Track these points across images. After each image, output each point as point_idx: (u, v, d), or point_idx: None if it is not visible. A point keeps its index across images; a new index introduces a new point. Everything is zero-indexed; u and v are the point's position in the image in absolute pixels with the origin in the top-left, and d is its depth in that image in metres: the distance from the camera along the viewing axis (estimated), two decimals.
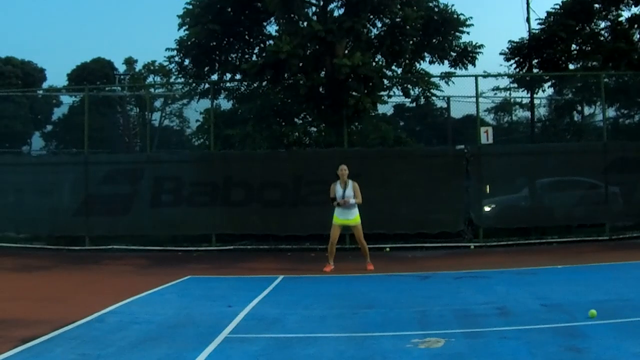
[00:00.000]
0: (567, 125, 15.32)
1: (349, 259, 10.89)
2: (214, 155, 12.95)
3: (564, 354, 4.72)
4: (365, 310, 6.59)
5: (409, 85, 13.73)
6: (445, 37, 13.51)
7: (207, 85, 13.85)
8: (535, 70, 15.29)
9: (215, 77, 14.29)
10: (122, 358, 4.98)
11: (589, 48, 14.60)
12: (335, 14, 12.91)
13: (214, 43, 13.34)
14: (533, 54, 15.02)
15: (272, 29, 13.89)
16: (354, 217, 9.82)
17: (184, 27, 13.12)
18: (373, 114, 13.32)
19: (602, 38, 14.65)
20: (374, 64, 12.63)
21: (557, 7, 14.71)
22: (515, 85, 16.42)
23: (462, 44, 13.65)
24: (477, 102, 12.92)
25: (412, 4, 12.82)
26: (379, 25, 13.28)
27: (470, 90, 13.45)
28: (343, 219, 9.82)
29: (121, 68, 31.55)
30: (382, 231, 12.07)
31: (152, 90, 24.85)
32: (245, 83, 13.79)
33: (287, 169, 12.53)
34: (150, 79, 30.50)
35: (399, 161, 12.57)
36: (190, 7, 12.98)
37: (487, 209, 12.55)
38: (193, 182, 12.89)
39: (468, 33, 13.48)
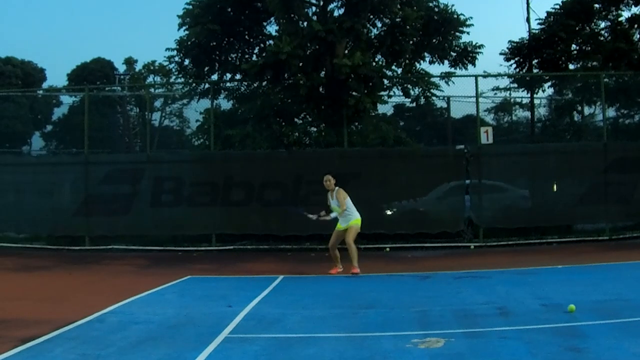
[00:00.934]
0: (567, 125, 15.30)
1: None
2: (214, 155, 12.95)
3: (564, 354, 4.71)
4: (365, 310, 6.59)
5: (409, 85, 13.72)
6: (445, 37, 13.52)
7: (207, 85, 13.85)
8: (535, 70, 15.28)
9: (215, 77, 14.29)
10: (122, 358, 4.97)
11: (589, 48, 14.59)
12: (335, 14, 12.93)
13: (214, 43, 13.34)
14: (533, 54, 15.01)
15: (272, 29, 13.93)
16: (348, 224, 9.33)
17: (184, 27, 13.12)
18: (373, 114, 13.32)
19: (602, 38, 14.64)
20: (374, 64, 12.64)
21: (557, 7, 14.71)
22: (515, 85, 16.42)
23: (462, 44, 13.67)
24: (477, 102, 12.94)
25: (412, 4, 12.82)
26: (379, 25, 13.28)
27: (470, 90, 13.49)
28: (341, 225, 9.42)
29: (121, 68, 31.52)
30: (382, 231, 12.08)
31: (152, 90, 24.85)
32: (245, 83, 13.79)
33: (287, 169, 12.53)
34: (150, 79, 30.46)
35: (399, 161, 12.57)
36: (190, 7, 12.98)
37: (388, 212, 12.50)
38: (193, 182, 12.90)
39: (468, 33, 13.53)
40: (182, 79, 14.57)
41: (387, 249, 12.01)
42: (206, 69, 13.88)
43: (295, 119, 13.53)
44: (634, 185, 12.46)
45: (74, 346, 5.30)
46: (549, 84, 15.48)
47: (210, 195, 12.81)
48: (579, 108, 15.47)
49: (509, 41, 15.32)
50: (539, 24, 15.07)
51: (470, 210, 12.36)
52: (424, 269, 9.64)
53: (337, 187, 9.42)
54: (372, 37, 13.23)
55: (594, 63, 14.64)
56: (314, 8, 13.23)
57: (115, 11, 65.56)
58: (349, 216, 9.38)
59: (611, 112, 14.76)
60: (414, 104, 14.32)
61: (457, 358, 4.73)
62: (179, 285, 8.76)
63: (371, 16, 12.92)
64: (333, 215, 9.38)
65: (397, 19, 12.62)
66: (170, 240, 12.93)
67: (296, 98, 12.75)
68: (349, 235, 9.33)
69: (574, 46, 14.90)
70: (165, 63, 14.72)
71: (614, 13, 14.67)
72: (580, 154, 12.64)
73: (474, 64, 13.75)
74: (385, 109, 14.71)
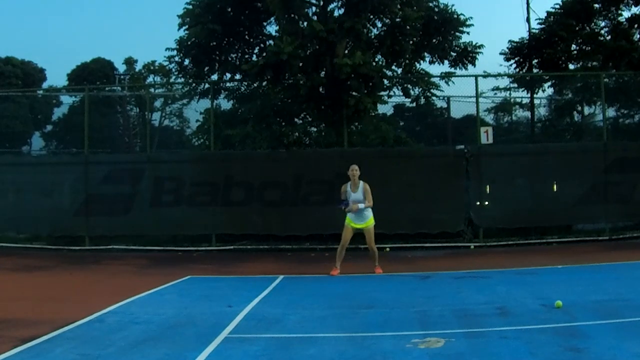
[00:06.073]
0: (567, 125, 15.32)
1: (349, 259, 10.86)
2: (214, 155, 12.95)
3: (564, 354, 4.71)
4: (365, 310, 6.59)
5: (409, 85, 13.75)
6: (445, 37, 13.53)
7: (207, 85, 13.86)
8: (535, 70, 15.29)
9: (215, 77, 14.30)
10: (122, 358, 4.97)
11: (589, 48, 14.59)
12: (336, 14, 12.94)
13: (214, 43, 13.35)
14: (533, 54, 15.02)
15: (272, 29, 13.95)
16: (366, 222, 9.21)
17: (184, 27, 13.13)
18: (373, 114, 13.33)
19: (602, 38, 14.64)
20: (374, 64, 12.64)
21: (557, 7, 14.72)
22: (515, 85, 16.43)
23: (462, 44, 13.68)
24: (477, 102, 12.95)
25: (412, 4, 12.83)
26: (379, 25, 13.30)
27: (470, 90, 13.51)
28: (357, 223, 9.22)
29: (121, 68, 31.48)
30: (382, 231, 12.04)
31: (152, 90, 24.84)
32: (246, 83, 13.80)
33: (287, 169, 12.53)
34: (150, 79, 30.44)
35: (399, 161, 12.57)
36: (190, 7, 12.99)
37: None
38: (193, 182, 12.90)
39: (468, 33, 13.56)
40: (182, 79, 14.58)
41: (387, 249, 11.98)
42: (206, 69, 13.90)
43: (295, 119, 13.54)
44: (634, 185, 12.45)
45: (74, 346, 5.30)
46: (549, 84, 15.49)
47: (210, 195, 12.80)
48: (579, 108, 15.48)
49: (509, 41, 15.37)
50: (539, 23, 15.11)
51: (471, 210, 12.38)
52: (424, 269, 9.63)
53: (361, 181, 9.21)
54: (372, 37, 13.23)
55: (594, 63, 14.65)
56: (314, 8, 13.24)
57: (115, 11, 65.64)
58: (367, 214, 9.21)
59: (611, 112, 14.79)
60: (414, 104, 14.36)
61: (457, 358, 4.73)
62: (179, 285, 8.76)
63: (371, 16, 12.92)
64: (361, 206, 9.07)
65: (397, 19, 12.63)
66: (170, 240, 12.93)
67: (296, 98, 12.76)
68: (371, 238, 9.24)
69: (574, 46, 14.91)
70: (165, 63, 14.74)
71: (614, 13, 14.67)
72: (580, 154, 12.63)
73: (474, 64, 13.78)
74: (385, 109, 14.76)
